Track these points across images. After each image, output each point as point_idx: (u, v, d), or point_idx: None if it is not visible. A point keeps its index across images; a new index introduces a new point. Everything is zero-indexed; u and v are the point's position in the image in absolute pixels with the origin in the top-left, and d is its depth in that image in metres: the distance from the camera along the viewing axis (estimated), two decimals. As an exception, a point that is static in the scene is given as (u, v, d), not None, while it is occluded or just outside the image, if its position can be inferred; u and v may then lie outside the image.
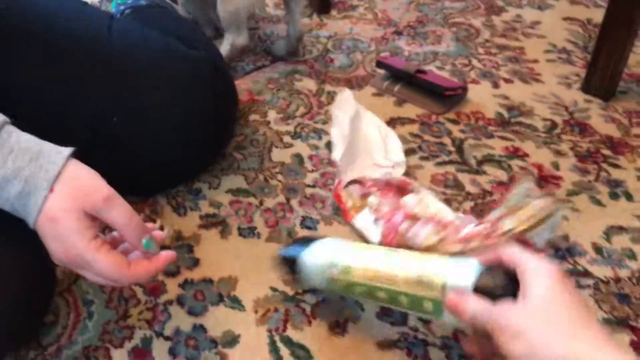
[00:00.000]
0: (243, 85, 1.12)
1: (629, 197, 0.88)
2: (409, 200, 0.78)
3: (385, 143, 0.94)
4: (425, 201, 0.78)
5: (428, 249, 0.70)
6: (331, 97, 1.09)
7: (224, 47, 1.12)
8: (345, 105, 0.93)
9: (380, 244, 0.74)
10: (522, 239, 0.67)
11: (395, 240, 0.73)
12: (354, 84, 1.14)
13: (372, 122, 0.97)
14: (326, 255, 0.63)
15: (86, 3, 0.90)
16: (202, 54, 0.90)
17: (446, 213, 0.76)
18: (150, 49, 0.85)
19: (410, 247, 0.71)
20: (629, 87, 1.14)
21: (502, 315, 0.48)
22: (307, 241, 0.66)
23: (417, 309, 0.57)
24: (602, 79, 1.09)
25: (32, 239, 0.68)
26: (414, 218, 0.74)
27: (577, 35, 1.31)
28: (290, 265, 0.66)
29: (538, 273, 0.48)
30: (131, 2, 1.19)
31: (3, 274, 0.61)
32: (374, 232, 0.77)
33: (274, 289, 0.73)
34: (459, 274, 0.53)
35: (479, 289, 0.51)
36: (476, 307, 0.50)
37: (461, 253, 0.68)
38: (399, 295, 0.57)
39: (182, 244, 0.79)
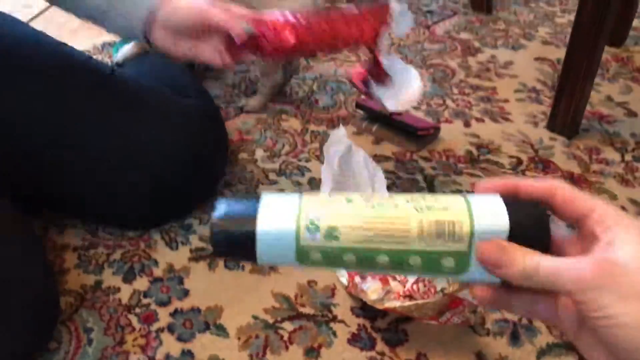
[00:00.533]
0: (233, 125, 1.21)
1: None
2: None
3: (372, 182, 1.00)
4: None
5: (373, 303, 0.77)
6: (314, 136, 1.18)
7: (262, 87, 1.23)
8: (338, 143, 0.99)
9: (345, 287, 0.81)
10: (455, 298, 0.74)
11: (352, 289, 0.81)
12: (336, 123, 1.23)
13: (361, 160, 1.02)
14: (292, 217, 0.42)
15: (90, 57, 0.99)
16: (194, 102, 0.99)
17: None
18: (144, 97, 0.94)
19: (362, 297, 0.78)
20: (591, 124, 1.23)
21: (596, 272, 0.35)
22: (245, 206, 0.43)
23: (432, 270, 0.41)
24: (565, 118, 1.18)
25: (39, 273, 0.77)
26: None
27: (547, 75, 1.41)
28: (237, 243, 0.43)
29: (624, 225, 0.37)
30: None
31: (12, 304, 0.70)
32: (343, 275, 0.84)
33: (255, 317, 0.81)
34: (487, 215, 0.40)
35: (517, 235, 0.38)
36: (532, 262, 0.37)
37: (403, 309, 0.74)
38: (408, 256, 0.40)
39: (174, 276, 0.87)
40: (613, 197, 1.03)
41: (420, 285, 0.75)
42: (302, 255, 0.42)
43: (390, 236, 0.40)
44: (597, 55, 1.12)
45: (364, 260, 0.41)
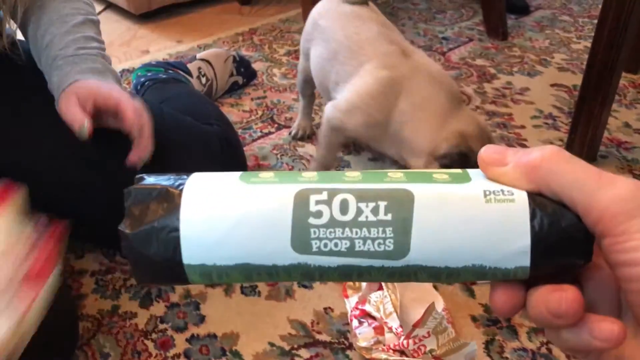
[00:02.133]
0: (250, 151, 1.22)
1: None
2: (373, 297, 0.82)
3: None
4: (385, 302, 0.80)
5: (360, 350, 0.77)
6: (331, 162, 1.19)
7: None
8: None
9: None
10: None
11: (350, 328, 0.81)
12: (352, 149, 1.23)
13: None
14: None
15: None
16: (214, 129, 1.01)
17: (393, 321, 0.78)
18: (165, 123, 0.95)
19: (353, 341, 0.79)
20: (609, 151, 1.22)
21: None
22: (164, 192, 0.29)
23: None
24: (582, 145, 1.17)
25: (58, 299, 0.78)
26: (366, 316, 0.80)
27: (563, 101, 1.40)
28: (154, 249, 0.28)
29: None
30: (151, 74, 1.31)
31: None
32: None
33: (271, 344, 0.81)
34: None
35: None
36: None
37: None
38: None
39: (190, 302, 0.88)
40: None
41: (411, 342, 0.74)
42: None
43: None
44: (614, 82, 1.12)
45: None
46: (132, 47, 1.76)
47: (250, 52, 1.68)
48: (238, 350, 0.80)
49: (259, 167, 1.18)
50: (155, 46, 1.75)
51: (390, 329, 0.77)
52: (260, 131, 1.30)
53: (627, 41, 1.07)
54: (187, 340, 0.82)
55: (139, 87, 1.29)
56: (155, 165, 0.89)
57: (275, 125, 1.33)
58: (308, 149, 1.24)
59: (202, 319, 0.85)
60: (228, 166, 0.97)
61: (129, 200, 0.29)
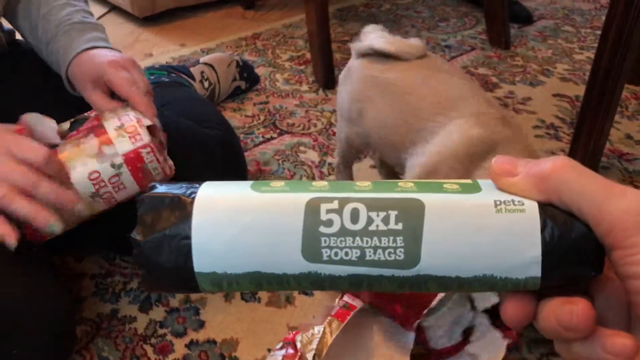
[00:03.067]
0: (251, 156, 1.22)
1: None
2: (317, 329, 0.76)
3: None
4: (315, 338, 0.74)
5: None
6: (332, 168, 1.19)
7: None
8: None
9: None
10: None
11: None
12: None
13: None
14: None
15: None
16: (215, 133, 1.00)
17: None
18: (166, 127, 0.95)
19: None
20: (611, 162, 1.22)
21: None
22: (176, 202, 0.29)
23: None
24: (583, 156, 1.17)
25: (55, 304, 0.77)
26: (291, 344, 0.76)
27: (565, 112, 1.41)
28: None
29: None
30: (154, 78, 1.31)
31: (28, 334, 0.70)
32: None
33: (270, 350, 0.80)
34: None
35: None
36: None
37: None
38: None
39: (190, 307, 0.87)
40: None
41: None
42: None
43: None
44: (616, 93, 1.12)
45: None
46: (136, 50, 1.77)
47: (253, 57, 1.68)
48: (237, 357, 0.80)
49: (260, 172, 1.17)
50: (159, 49, 1.76)
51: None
52: (262, 136, 1.30)
53: (630, 52, 1.07)
54: (186, 345, 0.82)
55: (141, 90, 1.29)
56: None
57: (278, 130, 1.33)
58: (310, 155, 1.24)
59: (201, 324, 0.85)
60: (229, 170, 0.97)
61: (141, 208, 0.29)
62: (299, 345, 0.73)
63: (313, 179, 1.16)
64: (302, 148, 1.26)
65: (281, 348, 0.75)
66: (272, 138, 1.30)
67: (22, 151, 0.65)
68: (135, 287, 0.90)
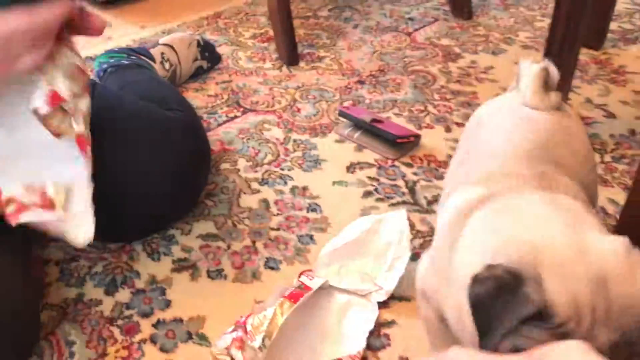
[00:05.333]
0: (215, 136, 1.22)
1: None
2: (249, 321, 0.76)
3: (389, 269, 0.87)
4: (266, 318, 0.75)
5: (211, 353, 0.75)
6: (297, 144, 1.19)
7: None
8: (387, 224, 0.91)
9: None
10: None
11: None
12: (319, 131, 1.23)
13: (390, 245, 0.89)
14: None
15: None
16: (176, 115, 1.00)
17: (255, 341, 0.73)
18: (125, 110, 0.94)
19: None
20: (571, 126, 1.24)
21: None
22: None
23: None
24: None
25: (19, 286, 0.77)
26: (242, 326, 0.76)
27: (527, 79, 1.42)
28: None
29: None
30: (113, 61, 1.29)
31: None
32: None
33: (237, 326, 0.81)
34: None
35: None
36: None
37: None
38: None
39: (156, 287, 0.87)
40: (593, 197, 1.04)
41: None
42: None
43: None
44: (573, 58, 1.14)
45: None
46: (95, 33, 1.73)
47: (215, 36, 1.66)
48: (204, 334, 0.80)
49: (224, 152, 1.17)
50: (118, 32, 1.72)
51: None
52: (226, 115, 1.30)
53: (585, 15, 1.08)
54: (153, 325, 0.82)
55: (101, 73, 1.27)
56: (114, 151, 0.88)
57: (241, 109, 1.32)
58: (275, 132, 1.23)
59: (167, 303, 0.85)
60: (190, 153, 0.96)
61: None
62: (249, 327, 0.74)
63: (278, 156, 1.16)
64: (266, 126, 1.26)
65: (232, 331, 0.76)
66: (235, 117, 1.29)
67: None
68: (100, 271, 0.90)
